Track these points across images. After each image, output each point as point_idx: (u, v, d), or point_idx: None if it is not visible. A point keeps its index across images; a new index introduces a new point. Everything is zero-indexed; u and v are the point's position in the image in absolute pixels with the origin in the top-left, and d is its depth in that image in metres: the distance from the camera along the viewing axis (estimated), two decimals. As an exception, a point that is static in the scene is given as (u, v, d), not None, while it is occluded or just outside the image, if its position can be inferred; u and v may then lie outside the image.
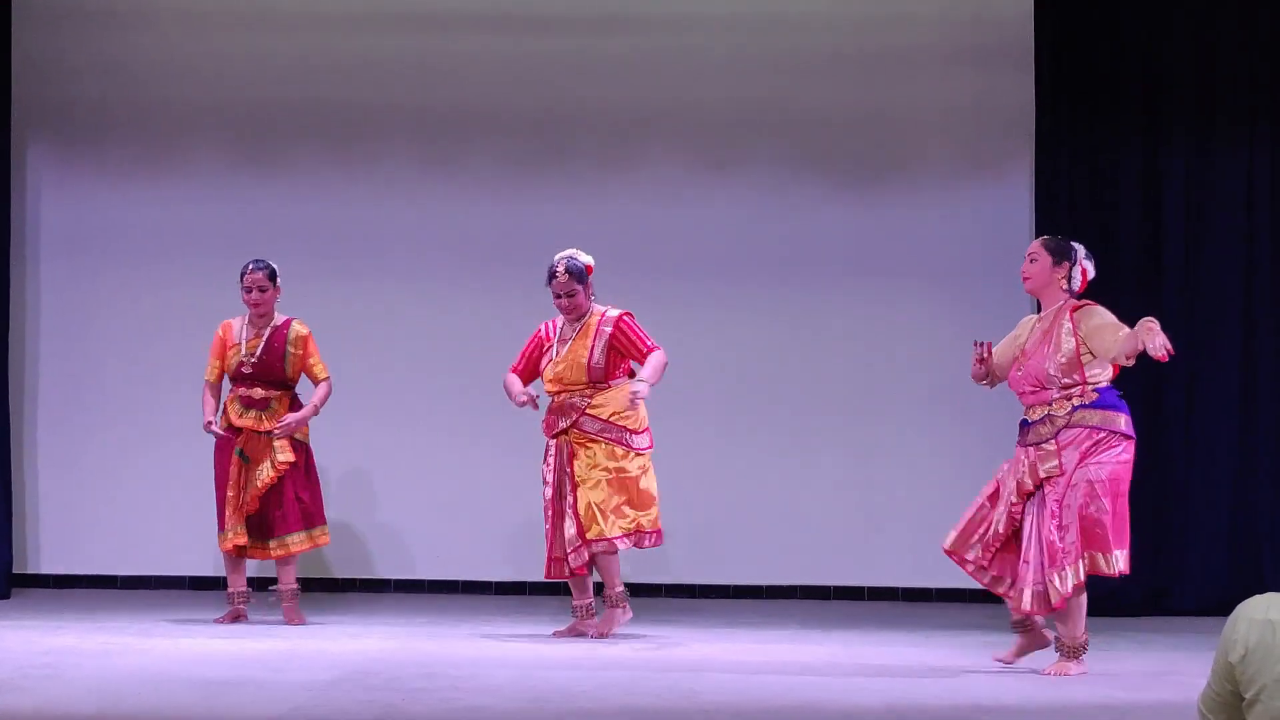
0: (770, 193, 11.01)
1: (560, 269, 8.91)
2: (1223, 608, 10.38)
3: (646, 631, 9.08)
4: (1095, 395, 7.75)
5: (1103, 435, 7.69)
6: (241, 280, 9.39)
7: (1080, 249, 8.00)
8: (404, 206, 10.97)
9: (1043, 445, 7.74)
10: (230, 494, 9.22)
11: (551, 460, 8.93)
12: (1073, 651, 7.74)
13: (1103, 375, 7.79)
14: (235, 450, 9.23)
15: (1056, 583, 7.59)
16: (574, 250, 8.98)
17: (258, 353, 9.29)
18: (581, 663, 7.77)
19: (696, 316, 10.87)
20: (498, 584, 10.74)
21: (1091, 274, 8.00)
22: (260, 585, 10.20)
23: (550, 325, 9.07)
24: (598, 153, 11.05)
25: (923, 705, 6.71)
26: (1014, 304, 10.88)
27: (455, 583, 10.89)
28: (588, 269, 8.95)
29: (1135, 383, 10.48)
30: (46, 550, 10.96)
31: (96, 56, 11.03)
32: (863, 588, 10.92)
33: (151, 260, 11.00)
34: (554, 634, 8.93)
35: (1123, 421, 7.74)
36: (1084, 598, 7.72)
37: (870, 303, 11.00)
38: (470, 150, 11.05)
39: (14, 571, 10.68)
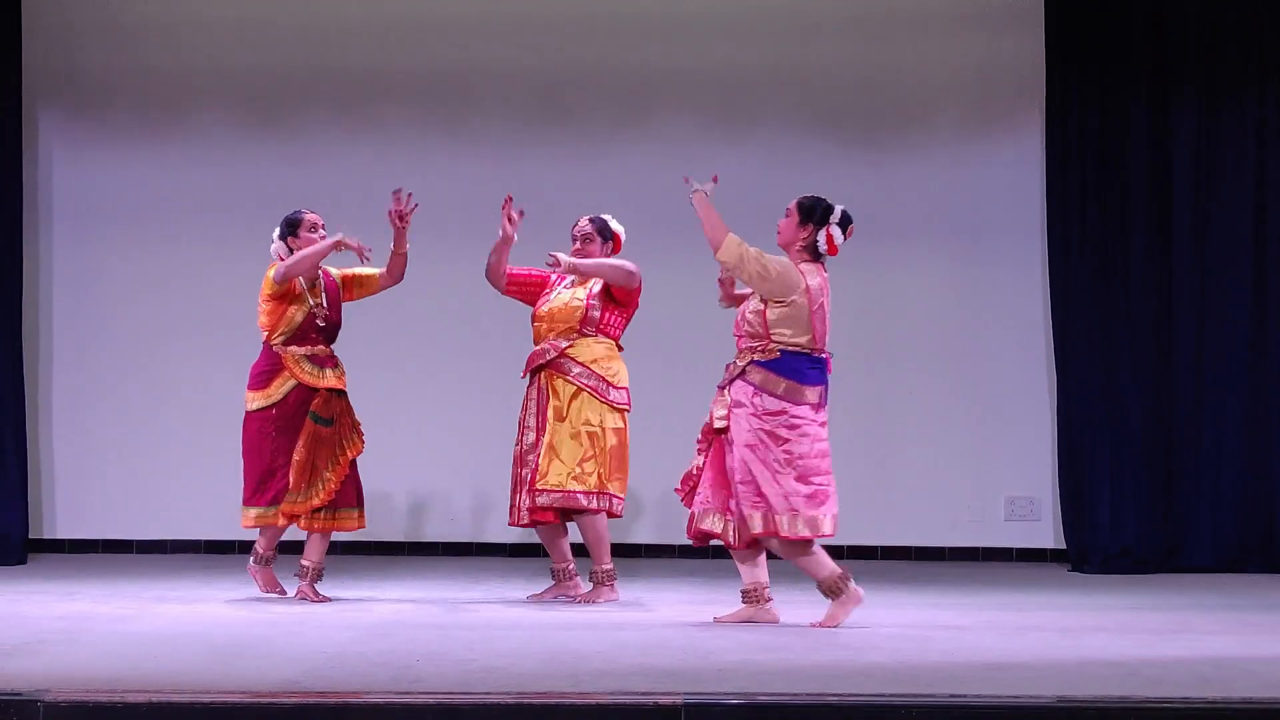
0: (780, 154, 11.00)
1: (587, 217, 8.92)
2: (1234, 564, 10.51)
3: (660, 592, 9.10)
4: (776, 355, 7.75)
5: (759, 398, 7.72)
6: (302, 222, 8.81)
7: (836, 215, 7.89)
8: (411, 169, 10.94)
9: (723, 390, 7.84)
10: (299, 457, 8.60)
11: (532, 404, 8.80)
12: (746, 596, 7.88)
13: (791, 338, 7.75)
14: (309, 414, 8.64)
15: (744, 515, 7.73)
16: (611, 218, 8.96)
17: (323, 303, 8.80)
18: (595, 624, 7.79)
19: (705, 278, 10.83)
20: (511, 546, 10.76)
21: (840, 241, 7.88)
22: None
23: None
24: (606, 114, 11.04)
25: (936, 664, 6.73)
26: (1024, 262, 10.92)
27: (469, 545, 10.92)
28: (615, 236, 8.93)
29: (1146, 337, 10.51)
30: (62, 516, 11.01)
31: (104, 24, 11.04)
32: (875, 547, 10.94)
33: (161, 225, 11.02)
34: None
35: (783, 387, 7.71)
36: (760, 552, 7.84)
37: (881, 263, 10.99)
38: (477, 112, 11.04)
39: (30, 537, 10.73)
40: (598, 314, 8.80)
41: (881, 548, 10.94)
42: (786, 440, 7.69)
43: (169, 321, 11.00)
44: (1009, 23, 10.90)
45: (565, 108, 11.03)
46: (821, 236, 7.88)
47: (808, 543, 7.73)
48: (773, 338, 7.76)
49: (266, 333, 8.70)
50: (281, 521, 8.66)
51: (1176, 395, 10.53)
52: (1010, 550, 10.91)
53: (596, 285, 8.82)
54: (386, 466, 11.02)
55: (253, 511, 8.71)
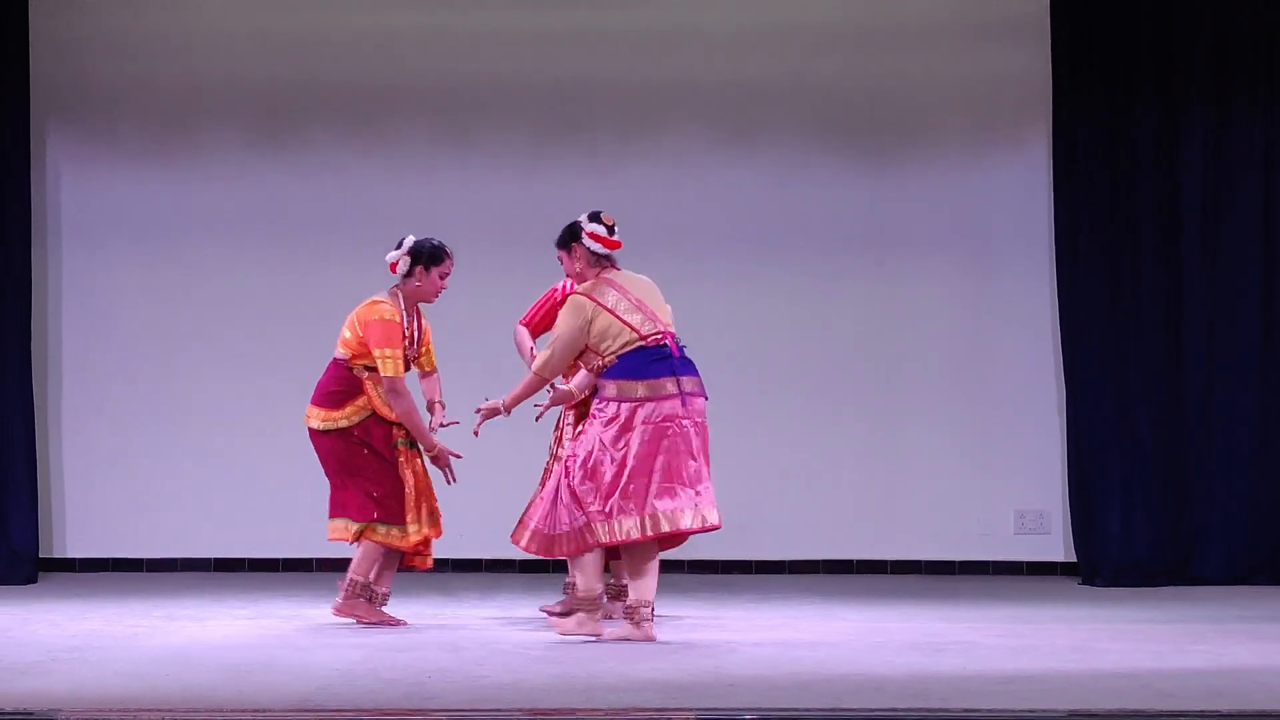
0: (789, 167, 11.00)
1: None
2: (1245, 576, 10.48)
3: (671, 608, 9.09)
4: (614, 361, 7.86)
5: (602, 404, 7.84)
6: (443, 262, 8.44)
7: (584, 221, 8.01)
8: (421, 184, 10.97)
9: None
10: (411, 482, 8.39)
11: (568, 430, 8.77)
12: (580, 603, 7.85)
13: (618, 343, 7.84)
14: (405, 443, 8.40)
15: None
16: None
17: (415, 344, 8.55)
18: (606, 639, 7.78)
19: (715, 291, 10.87)
20: (521, 562, 10.75)
21: (604, 232, 7.98)
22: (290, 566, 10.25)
23: (566, 285, 8.77)
24: (616, 128, 11.05)
25: (949, 677, 6.72)
26: (1031, 277, 10.92)
27: (479, 561, 10.92)
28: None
29: (1156, 349, 10.49)
30: (72, 534, 11.00)
31: (112, 38, 11.05)
32: (886, 561, 10.93)
33: (170, 240, 11.02)
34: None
35: (613, 389, 7.80)
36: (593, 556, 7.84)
37: (889, 276, 10.99)
38: (487, 126, 11.05)
39: (40, 556, 10.72)
40: None
41: (891, 562, 10.93)
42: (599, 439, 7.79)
43: (179, 338, 11.00)
44: (1016, 36, 10.90)
45: (575, 121, 11.04)
46: (589, 245, 8.01)
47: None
48: (604, 355, 7.88)
49: (350, 355, 8.40)
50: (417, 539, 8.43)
51: (1186, 407, 10.50)
52: (1020, 564, 10.90)
53: None
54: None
55: (382, 529, 8.37)
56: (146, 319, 11.02)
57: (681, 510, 7.74)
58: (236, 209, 11.00)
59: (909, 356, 11.02)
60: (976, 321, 11.01)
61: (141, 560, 10.96)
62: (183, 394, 10.97)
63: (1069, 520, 10.67)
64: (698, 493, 7.79)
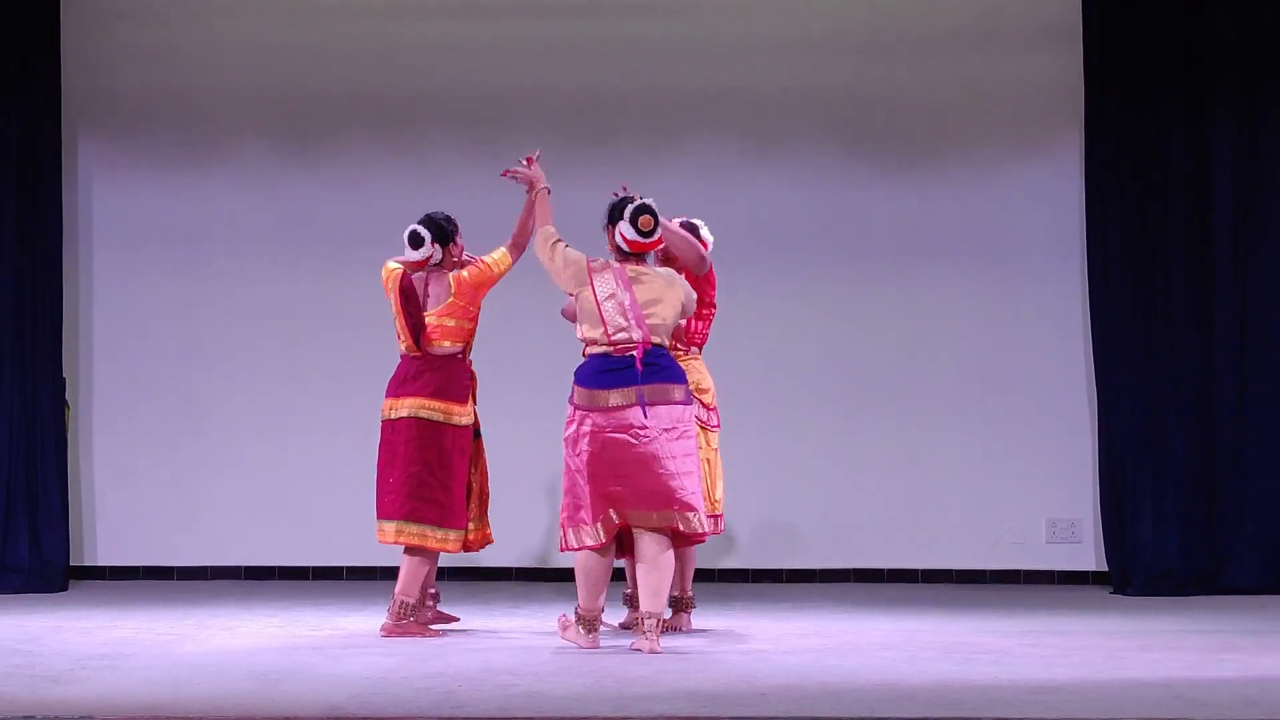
0: (817, 175, 11.00)
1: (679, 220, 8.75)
2: (1278, 585, 10.41)
3: (702, 617, 9.07)
4: (584, 359, 7.91)
5: (568, 408, 7.85)
6: (458, 226, 8.66)
7: (627, 212, 7.97)
8: (448, 193, 10.91)
9: None
10: (480, 483, 8.47)
11: None
12: (578, 620, 7.82)
13: (588, 333, 7.89)
14: (478, 433, 8.49)
15: None
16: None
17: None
18: (637, 648, 7.78)
19: (742, 299, 10.84)
20: (550, 571, 10.75)
21: (632, 235, 7.94)
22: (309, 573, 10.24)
23: None
24: (643, 136, 11.05)
25: (980, 686, 6.71)
26: (1062, 285, 10.89)
27: (509, 570, 10.92)
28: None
29: (1187, 356, 10.45)
30: (103, 542, 11.03)
31: (143, 49, 11.09)
32: (916, 570, 10.90)
33: (201, 250, 11.06)
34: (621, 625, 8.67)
35: (575, 394, 7.83)
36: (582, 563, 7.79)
37: (919, 284, 10.98)
38: (514, 136, 11.02)
39: (71, 564, 10.75)
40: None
41: (922, 571, 10.91)
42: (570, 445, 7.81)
43: (209, 347, 11.03)
44: (1046, 44, 10.89)
45: (602, 131, 11.04)
46: (617, 235, 8.00)
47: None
48: (581, 337, 7.95)
49: (464, 343, 8.45)
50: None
51: (1218, 416, 10.47)
52: (1052, 573, 10.87)
53: None
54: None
55: (455, 534, 8.36)
56: (177, 328, 11.05)
57: (639, 511, 7.69)
58: (265, 219, 11.03)
59: (939, 365, 11.00)
60: (1007, 330, 10.99)
61: (172, 568, 10.98)
62: (213, 402, 10.99)
63: (1100, 529, 10.64)
64: (663, 499, 7.70)
